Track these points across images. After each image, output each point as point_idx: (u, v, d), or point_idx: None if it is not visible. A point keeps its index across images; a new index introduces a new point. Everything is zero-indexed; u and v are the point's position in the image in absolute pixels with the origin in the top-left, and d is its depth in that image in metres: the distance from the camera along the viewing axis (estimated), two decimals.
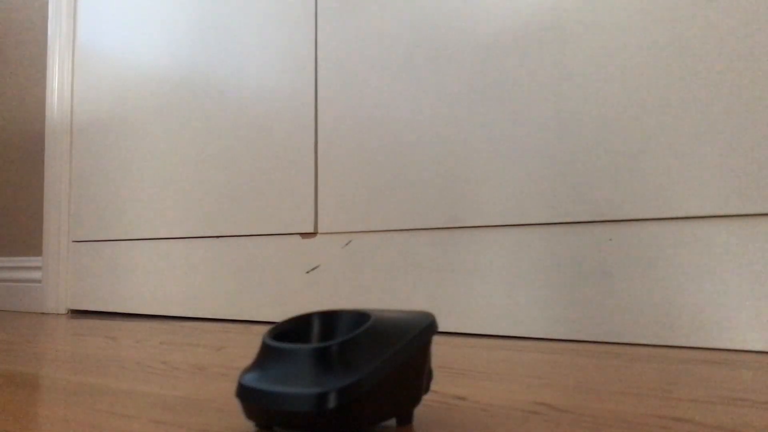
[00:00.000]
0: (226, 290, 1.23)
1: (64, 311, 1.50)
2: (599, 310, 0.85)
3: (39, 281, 1.57)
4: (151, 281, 1.35)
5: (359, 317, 0.42)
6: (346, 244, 1.09)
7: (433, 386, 0.56)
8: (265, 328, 1.08)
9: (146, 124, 1.39)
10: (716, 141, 0.79)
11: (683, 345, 0.80)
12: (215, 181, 1.26)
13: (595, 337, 0.86)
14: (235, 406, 0.49)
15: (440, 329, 0.98)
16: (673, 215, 0.81)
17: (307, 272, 1.13)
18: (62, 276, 1.51)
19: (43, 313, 1.50)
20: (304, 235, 1.14)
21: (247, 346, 0.85)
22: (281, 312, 1.15)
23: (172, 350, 0.81)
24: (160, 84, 1.37)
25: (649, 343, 0.82)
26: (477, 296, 0.95)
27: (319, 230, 1.12)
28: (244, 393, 0.38)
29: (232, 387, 0.56)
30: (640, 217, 0.83)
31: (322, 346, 0.37)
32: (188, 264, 1.29)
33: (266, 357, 0.39)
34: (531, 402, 0.49)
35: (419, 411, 0.46)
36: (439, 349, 0.80)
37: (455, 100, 0.99)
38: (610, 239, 0.86)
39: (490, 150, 0.95)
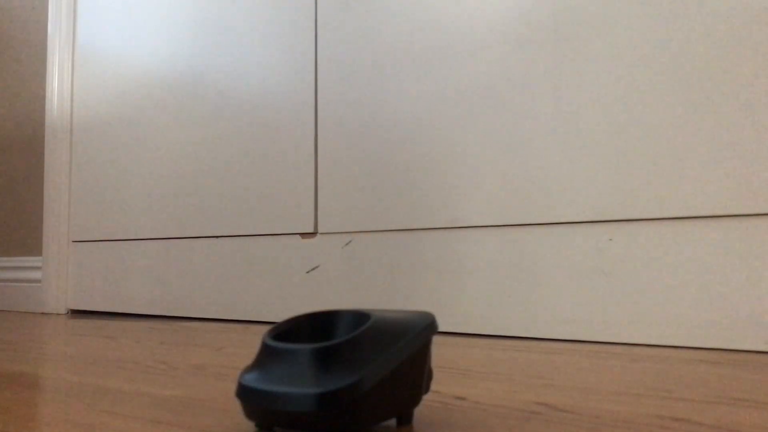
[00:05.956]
0: (226, 290, 1.23)
1: (64, 311, 1.50)
2: (599, 310, 0.85)
3: (39, 281, 1.57)
4: (151, 281, 1.35)
5: (359, 317, 0.42)
6: (346, 244, 1.09)
7: (433, 386, 0.56)
8: (265, 328, 1.08)
9: (146, 124, 1.39)
10: (716, 141, 0.79)
11: (683, 345, 0.80)
12: (215, 180, 1.26)
13: (595, 337, 0.86)
14: (235, 406, 0.49)
15: (441, 329, 0.98)
16: (673, 215, 0.81)
17: (307, 272, 1.13)
18: (62, 276, 1.51)
19: (43, 313, 1.50)
20: (304, 235, 1.14)
21: (247, 346, 0.85)
22: (281, 312, 1.15)
23: (172, 350, 0.81)
24: (160, 84, 1.37)
25: (649, 343, 0.82)
26: (477, 296, 0.95)
27: (319, 230, 1.12)
28: (244, 393, 0.38)
29: (232, 387, 0.56)
30: (640, 217, 0.83)
31: (322, 346, 0.37)
32: (188, 264, 1.29)
33: (266, 357, 0.39)
34: (531, 402, 0.49)
35: (419, 411, 0.46)
36: (439, 349, 0.80)
37: (455, 99, 0.99)
38: (610, 239, 0.86)
39: (490, 150, 0.95)
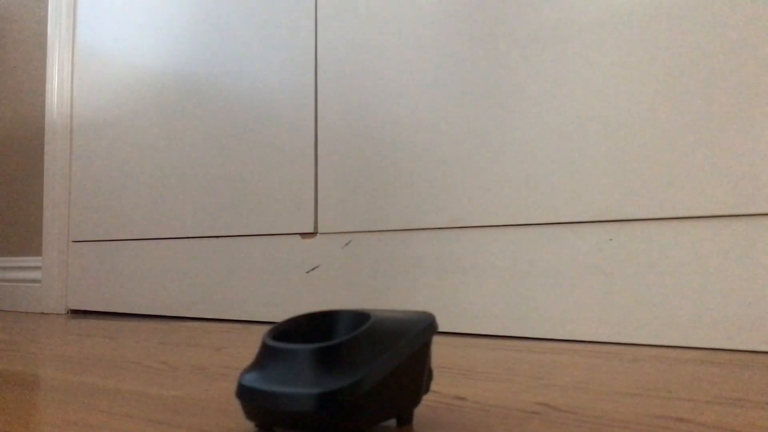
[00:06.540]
0: (226, 290, 1.23)
1: (64, 311, 1.50)
2: (599, 310, 0.85)
3: (39, 281, 1.57)
4: (151, 281, 1.35)
5: (359, 317, 0.42)
6: (346, 244, 1.09)
7: (433, 386, 0.56)
8: (265, 328, 1.08)
9: (146, 124, 1.39)
10: (716, 141, 0.79)
11: (683, 345, 0.80)
12: (215, 181, 1.26)
13: (595, 337, 0.86)
14: (235, 406, 0.49)
15: (440, 329, 0.98)
16: (673, 215, 0.81)
17: (307, 272, 1.13)
18: (62, 276, 1.51)
19: (43, 313, 1.50)
20: (304, 235, 1.14)
21: (247, 346, 0.85)
22: (281, 312, 1.15)
23: (172, 350, 0.81)
24: (160, 84, 1.37)
25: (649, 343, 0.82)
26: (477, 296, 0.95)
27: (319, 230, 1.12)
28: (244, 393, 0.38)
29: (232, 387, 0.56)
30: (640, 217, 0.83)
31: (322, 346, 0.37)
32: (188, 264, 1.29)
33: (266, 357, 0.39)
34: (531, 402, 0.49)
35: (419, 411, 0.46)
36: (439, 349, 0.80)
37: (455, 99, 0.99)
38: (610, 239, 0.86)
39: (491, 150, 0.95)
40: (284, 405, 0.36)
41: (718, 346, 0.78)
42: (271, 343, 0.39)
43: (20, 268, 1.62)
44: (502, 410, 0.46)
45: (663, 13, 0.83)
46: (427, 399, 0.50)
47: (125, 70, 1.43)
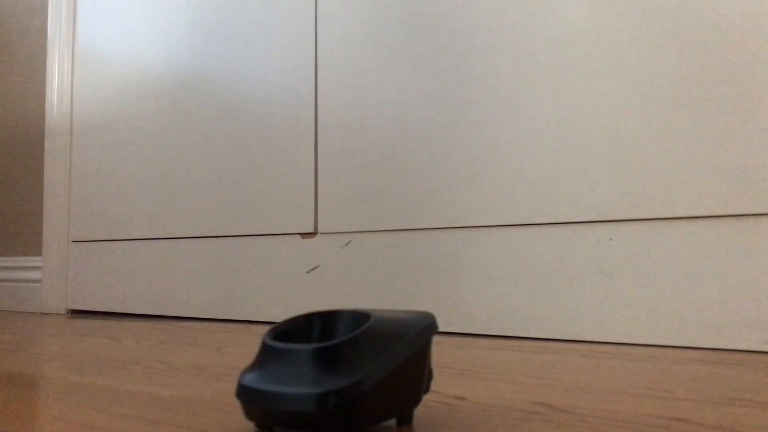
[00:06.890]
0: (226, 290, 1.23)
1: (64, 311, 1.50)
2: (599, 310, 0.85)
3: (39, 281, 1.57)
4: (151, 281, 1.35)
5: (359, 317, 0.42)
6: (346, 244, 1.09)
7: (433, 386, 0.56)
8: (265, 328, 1.08)
9: (146, 124, 1.39)
10: (716, 140, 0.79)
11: (683, 345, 0.80)
12: (215, 181, 1.26)
13: (595, 337, 0.86)
14: (235, 406, 0.49)
15: (440, 329, 0.98)
16: (673, 215, 0.81)
17: (307, 272, 1.13)
18: (62, 276, 1.51)
19: (43, 313, 1.50)
20: (304, 235, 1.14)
21: (247, 346, 0.85)
22: (281, 312, 1.15)
23: (172, 350, 0.81)
24: (160, 84, 1.37)
25: (649, 343, 0.82)
26: (477, 296, 0.95)
27: (319, 230, 1.12)
28: (244, 393, 0.38)
29: (232, 387, 0.56)
30: (640, 217, 0.83)
31: (322, 346, 0.37)
32: (188, 264, 1.29)
33: (266, 357, 0.39)
34: (531, 402, 0.49)
35: (419, 411, 0.46)
36: (439, 349, 0.80)
37: (455, 100, 0.99)
38: (610, 239, 0.86)
39: (491, 150, 0.95)
40: (284, 405, 0.36)
41: (718, 346, 0.78)
42: (271, 343, 0.39)
43: (20, 268, 1.62)
44: (502, 410, 0.46)
45: (662, 12, 0.83)
46: (427, 399, 0.50)
47: (125, 70, 1.43)
